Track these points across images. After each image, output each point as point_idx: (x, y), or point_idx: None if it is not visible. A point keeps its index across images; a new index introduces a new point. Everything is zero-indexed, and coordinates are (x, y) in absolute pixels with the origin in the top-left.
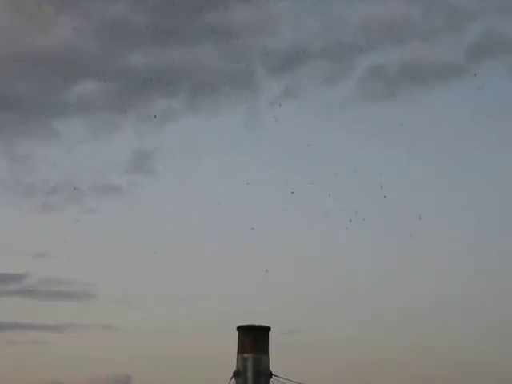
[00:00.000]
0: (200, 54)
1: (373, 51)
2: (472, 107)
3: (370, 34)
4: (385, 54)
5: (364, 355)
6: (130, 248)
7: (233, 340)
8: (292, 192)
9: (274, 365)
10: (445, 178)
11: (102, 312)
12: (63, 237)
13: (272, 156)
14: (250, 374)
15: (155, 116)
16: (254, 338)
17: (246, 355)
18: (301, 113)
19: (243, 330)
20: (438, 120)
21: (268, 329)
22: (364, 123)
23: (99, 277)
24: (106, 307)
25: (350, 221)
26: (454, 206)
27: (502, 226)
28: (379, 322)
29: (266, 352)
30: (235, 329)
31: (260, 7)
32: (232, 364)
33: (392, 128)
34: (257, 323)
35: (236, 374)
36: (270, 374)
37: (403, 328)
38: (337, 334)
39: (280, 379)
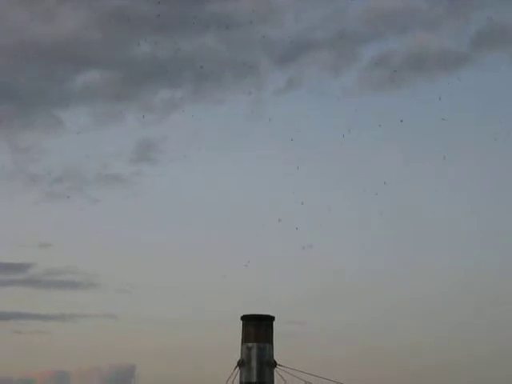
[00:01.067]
0: (204, 43)
1: (376, 41)
2: (476, 96)
3: (373, 24)
4: (388, 43)
5: (366, 347)
6: (133, 237)
7: (237, 330)
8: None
9: (278, 355)
10: (445, 174)
11: (105, 301)
12: (67, 227)
13: (275, 146)
14: (254, 364)
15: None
16: (258, 328)
17: (250, 344)
18: (304, 102)
19: (247, 320)
20: (442, 110)
21: (272, 318)
22: (367, 113)
23: (103, 266)
24: (109, 297)
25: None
26: (454, 205)
27: (503, 224)
28: (379, 319)
29: (271, 341)
30: (239, 319)
31: None
32: (236, 354)
33: (395, 118)
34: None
35: (240, 364)
36: (274, 364)
37: (403, 325)
38: (339, 326)
39: (284, 369)
